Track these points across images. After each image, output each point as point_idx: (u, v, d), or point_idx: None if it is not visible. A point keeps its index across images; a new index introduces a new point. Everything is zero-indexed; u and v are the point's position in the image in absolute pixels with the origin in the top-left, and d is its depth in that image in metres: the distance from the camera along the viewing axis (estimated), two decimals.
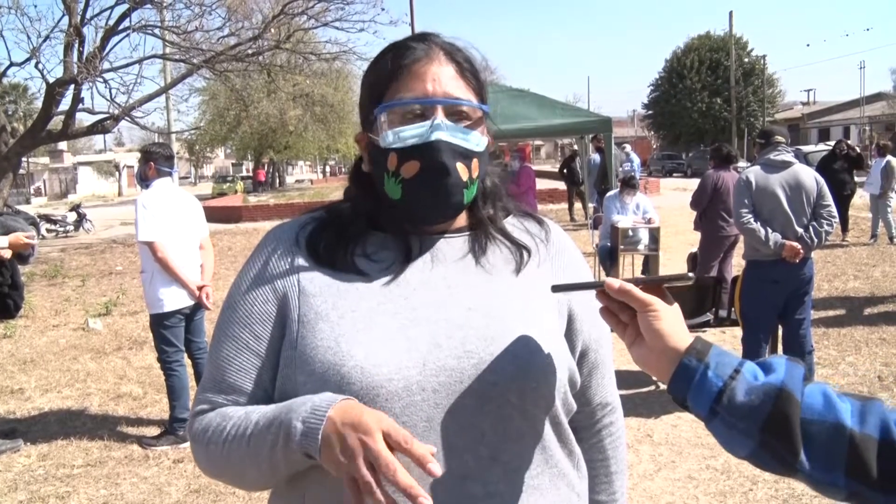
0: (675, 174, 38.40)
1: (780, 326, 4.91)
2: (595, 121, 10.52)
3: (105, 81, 11.08)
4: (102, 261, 13.75)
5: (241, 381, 1.01)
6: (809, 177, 4.53)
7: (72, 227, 20.38)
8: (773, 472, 0.84)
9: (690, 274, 0.91)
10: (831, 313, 6.97)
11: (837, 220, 4.65)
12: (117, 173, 56.70)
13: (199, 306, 4.52)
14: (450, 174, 1.00)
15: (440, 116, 0.99)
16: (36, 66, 10.76)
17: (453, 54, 1.04)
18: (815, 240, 4.44)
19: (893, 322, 6.53)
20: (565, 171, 16.58)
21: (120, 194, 53.07)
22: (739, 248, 5.36)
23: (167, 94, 14.63)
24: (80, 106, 11.01)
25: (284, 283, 1.03)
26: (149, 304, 4.48)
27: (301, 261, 1.04)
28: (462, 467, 0.96)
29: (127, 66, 11.57)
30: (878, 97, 46.91)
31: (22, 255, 4.06)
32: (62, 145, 48.50)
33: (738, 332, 5.19)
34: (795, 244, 4.40)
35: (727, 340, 6.24)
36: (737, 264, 6.42)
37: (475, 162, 1.03)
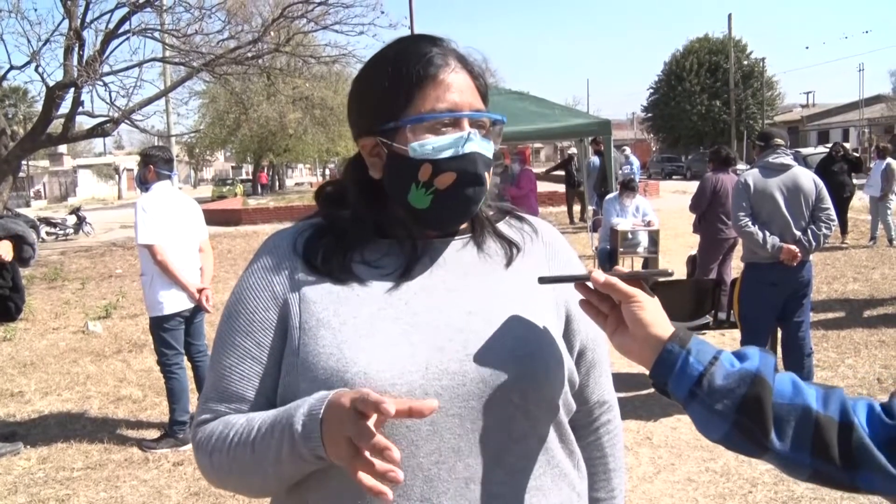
0: (674, 177, 38.41)
1: (779, 329, 4.92)
2: (594, 123, 10.55)
3: (105, 85, 11.08)
4: (102, 264, 13.75)
5: (243, 389, 1.02)
6: (808, 179, 4.54)
7: (71, 231, 20.37)
8: (744, 451, 0.90)
9: (670, 270, 0.98)
10: (830, 315, 6.98)
11: (836, 222, 4.66)
12: (117, 176, 56.71)
13: (198, 309, 4.52)
14: (483, 184, 1.03)
15: (468, 128, 1.01)
16: (36, 70, 10.77)
17: (465, 60, 1.06)
18: (814, 242, 4.44)
19: (893, 324, 6.54)
20: (564, 173, 16.62)
21: (120, 197, 53.06)
22: (738, 251, 5.37)
23: (167, 97, 14.64)
24: (80, 109, 11.02)
25: (285, 290, 1.03)
26: (148, 306, 4.48)
27: (300, 268, 1.04)
28: (466, 470, 0.96)
29: (127, 69, 11.58)
30: (876, 99, 46.92)
31: (23, 257, 4.07)
32: (62, 148, 48.41)
33: (737, 334, 5.20)
34: (793, 247, 4.41)
35: (726, 343, 6.24)
36: (736, 267, 6.43)
37: (491, 168, 1.06)
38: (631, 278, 0.96)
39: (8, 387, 5.88)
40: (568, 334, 1.11)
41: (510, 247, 1.12)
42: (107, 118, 11.36)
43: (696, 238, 7.23)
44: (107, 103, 11.25)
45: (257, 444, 0.94)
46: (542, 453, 1.04)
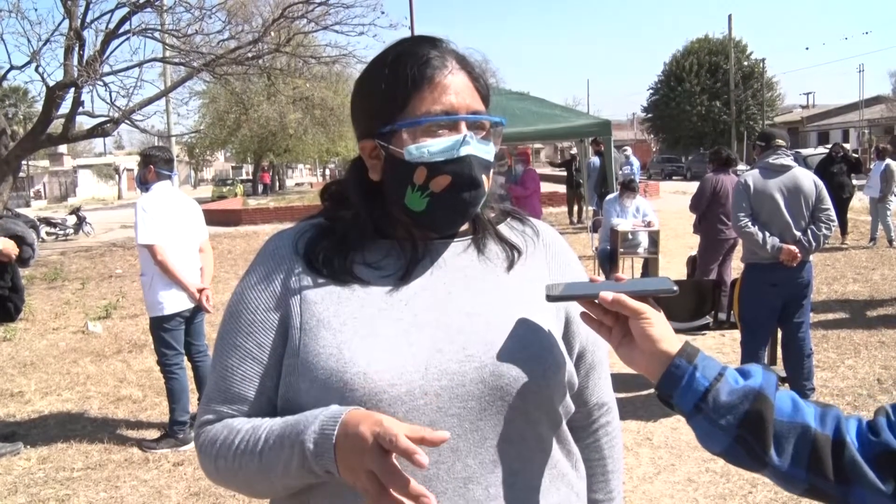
0: (674, 177, 38.43)
1: (779, 329, 4.92)
2: (595, 124, 10.53)
3: (105, 85, 11.08)
4: (102, 264, 13.75)
5: (245, 390, 1.02)
6: (808, 180, 4.54)
7: (71, 231, 20.36)
8: (743, 465, 0.93)
9: (675, 288, 0.97)
10: (830, 316, 6.98)
11: (836, 223, 4.66)
12: (117, 176, 56.70)
13: (198, 309, 4.52)
14: (479, 187, 1.02)
15: (465, 130, 1.00)
16: (36, 70, 10.76)
17: (464, 62, 1.05)
18: (814, 243, 4.45)
19: (893, 325, 6.54)
20: (564, 170, 16.64)
21: (120, 197, 53.04)
22: (738, 252, 5.37)
23: (167, 97, 14.63)
24: (81, 109, 11.01)
25: (286, 291, 1.04)
26: (148, 307, 4.48)
27: (301, 269, 1.05)
28: (465, 470, 0.97)
29: (127, 69, 11.58)
30: (876, 100, 46.90)
31: (22, 257, 4.06)
32: (62, 148, 48.43)
33: (737, 334, 5.20)
34: (793, 248, 4.41)
35: (726, 343, 6.24)
36: (736, 267, 6.43)
37: (491, 172, 1.05)
38: (637, 296, 0.97)
39: (8, 387, 5.88)
40: (567, 336, 1.11)
41: (511, 249, 1.12)
42: (107, 118, 11.36)
43: (697, 239, 7.23)
44: (107, 103, 11.26)
45: (265, 456, 0.95)
46: (541, 454, 1.04)
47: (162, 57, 12.89)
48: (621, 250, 7.67)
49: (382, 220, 1.07)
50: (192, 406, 4.59)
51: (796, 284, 4.54)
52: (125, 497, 3.85)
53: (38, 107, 13.94)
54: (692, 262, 7.49)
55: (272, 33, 12.83)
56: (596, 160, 12.99)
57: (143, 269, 4.47)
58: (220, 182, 45.13)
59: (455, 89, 1.01)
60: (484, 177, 1.02)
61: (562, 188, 18.36)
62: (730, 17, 41.69)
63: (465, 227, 1.11)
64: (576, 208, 16.32)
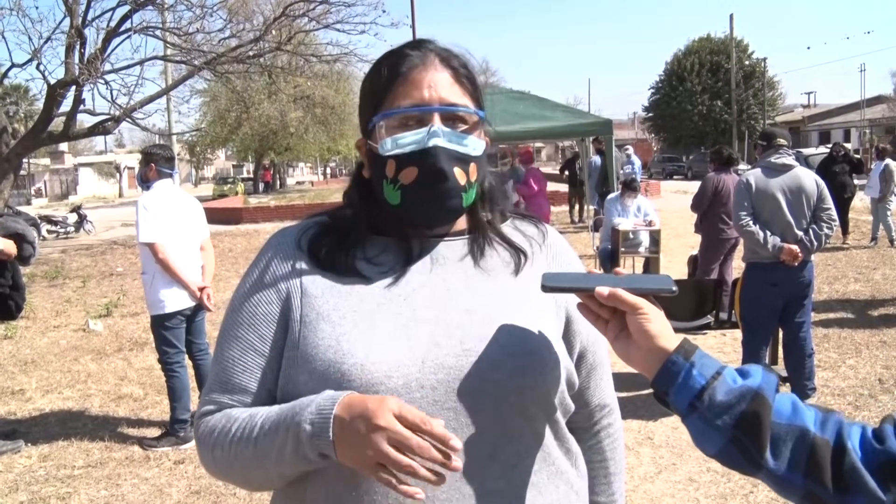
0: (675, 177, 38.41)
1: (780, 329, 4.91)
2: (596, 123, 10.51)
3: (106, 83, 11.09)
4: (103, 262, 13.76)
5: (246, 381, 1.03)
6: (810, 180, 4.53)
7: (72, 229, 20.37)
8: (738, 468, 0.91)
9: (674, 288, 0.96)
10: (832, 316, 6.97)
11: (837, 223, 4.66)
12: (118, 174, 56.73)
13: (200, 307, 4.53)
14: (448, 179, 1.01)
15: (437, 123, 1.01)
16: (37, 68, 10.77)
17: (448, 60, 1.06)
18: (815, 243, 4.44)
19: (894, 325, 6.54)
20: (566, 172, 16.60)
21: (121, 195, 53.07)
22: (740, 251, 5.36)
23: (168, 95, 14.63)
24: (82, 107, 11.02)
25: (287, 284, 1.05)
26: (150, 305, 4.48)
27: (303, 264, 1.06)
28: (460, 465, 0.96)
29: (128, 67, 11.59)
30: (878, 100, 46.87)
31: (23, 255, 4.06)
32: (63, 146, 48.53)
33: (738, 334, 5.20)
34: (794, 247, 4.40)
35: (727, 343, 6.24)
36: (737, 267, 6.42)
37: (473, 166, 1.04)
38: (635, 293, 0.96)
39: (9, 385, 5.88)
40: (568, 336, 1.11)
41: (510, 248, 1.12)
42: (108, 116, 11.36)
43: (698, 238, 7.23)
44: (108, 101, 11.27)
45: (259, 442, 0.95)
46: (538, 450, 1.04)
47: (163, 55, 12.91)
48: (622, 249, 7.67)
49: (378, 216, 1.08)
50: (193, 404, 4.59)
51: (797, 284, 4.54)
52: (126, 495, 3.86)
53: (39, 105, 13.95)
54: (693, 262, 7.49)
55: (273, 32, 12.83)
56: (597, 159, 12.98)
57: (145, 268, 4.47)
58: (221, 180, 45.13)
59: (430, 83, 1.02)
60: (458, 169, 1.01)
61: (563, 187, 18.34)
62: (731, 16, 41.55)
63: (463, 225, 1.11)
64: (577, 207, 16.31)
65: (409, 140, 1.00)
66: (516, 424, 1.01)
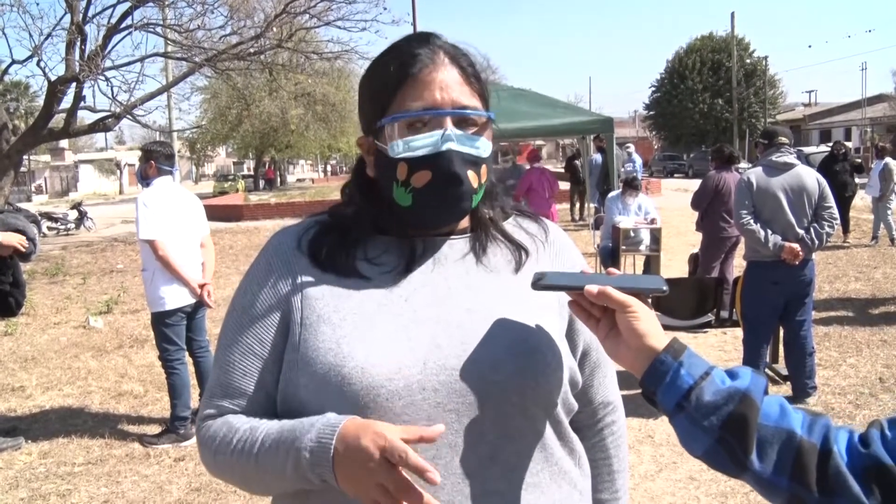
0: (676, 175, 38.39)
1: (781, 327, 4.91)
2: (597, 121, 10.48)
3: (107, 79, 11.10)
4: (103, 259, 13.76)
5: (247, 384, 1.02)
6: (811, 178, 4.53)
7: (73, 225, 20.38)
8: (723, 469, 0.91)
9: (665, 287, 0.96)
10: (832, 314, 6.97)
11: (838, 221, 4.65)
12: (118, 171, 56.73)
13: (200, 304, 4.52)
14: (462, 183, 1.00)
15: (450, 126, 0.99)
16: (38, 64, 10.79)
17: (457, 58, 1.04)
18: (816, 241, 4.44)
19: (894, 324, 6.53)
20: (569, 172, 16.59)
21: (121, 192, 53.09)
22: (741, 249, 5.36)
23: (169, 92, 14.64)
24: (82, 104, 11.03)
25: (287, 287, 1.04)
26: (150, 302, 4.48)
27: (303, 265, 1.05)
28: (462, 466, 0.96)
29: (129, 64, 11.59)
30: (879, 98, 46.79)
31: (23, 252, 4.06)
32: (63, 143, 48.50)
33: (739, 332, 5.19)
34: (795, 246, 4.40)
35: (728, 341, 6.24)
36: (738, 265, 6.42)
37: (484, 168, 1.04)
38: (626, 291, 0.95)
39: (9, 381, 5.88)
40: (571, 334, 1.10)
41: (512, 246, 1.11)
42: (108, 113, 11.36)
43: (698, 236, 7.22)
44: (108, 98, 11.27)
45: (261, 459, 0.95)
46: (540, 450, 1.03)
47: (164, 52, 12.89)
48: (623, 248, 7.66)
49: (381, 215, 1.07)
50: (194, 401, 4.59)
51: (798, 282, 4.54)
52: (126, 492, 3.86)
53: (40, 101, 13.94)
54: (694, 260, 7.49)
55: (274, 29, 12.83)
56: (598, 157, 12.96)
57: (145, 265, 4.47)
58: (222, 178, 45.15)
59: (441, 85, 1.00)
60: (471, 172, 1.01)
61: (564, 185, 18.30)
62: (732, 14, 41.45)
63: (465, 223, 1.10)
64: (578, 205, 16.28)
65: (421, 143, 0.99)
66: (517, 424, 1.00)
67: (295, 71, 18.98)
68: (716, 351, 6.00)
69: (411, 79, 1.00)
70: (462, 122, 1.01)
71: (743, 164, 17.65)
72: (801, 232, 4.45)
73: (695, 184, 8.39)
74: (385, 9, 12.88)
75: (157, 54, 12.52)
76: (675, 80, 48.24)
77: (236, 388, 1.02)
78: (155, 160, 4.47)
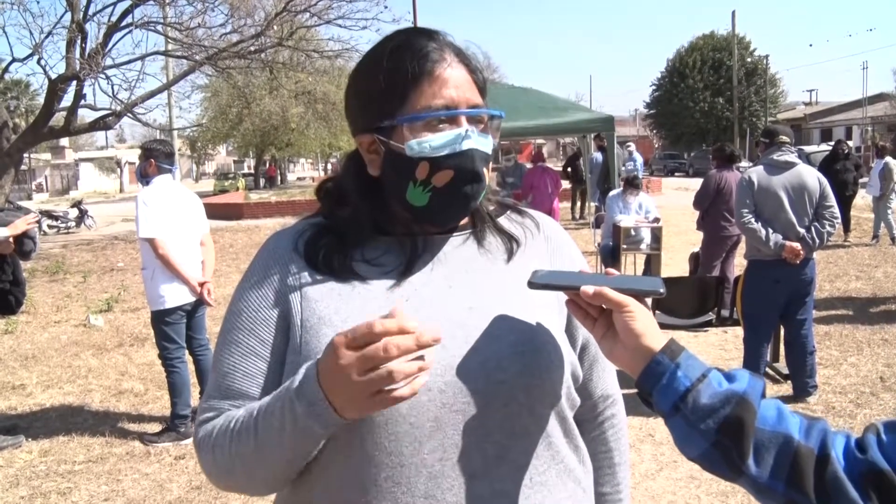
0: (676, 174, 38.39)
1: (781, 326, 4.91)
2: (597, 119, 10.47)
3: (107, 78, 11.07)
4: (104, 257, 13.76)
5: (246, 386, 1.01)
6: (812, 177, 4.52)
7: (73, 224, 20.39)
8: (718, 473, 0.89)
9: (662, 290, 0.95)
10: (833, 313, 6.97)
11: (839, 220, 4.65)
12: (119, 170, 56.72)
13: (200, 303, 4.52)
14: (482, 180, 1.01)
15: (466, 124, 0.99)
16: (38, 62, 10.75)
17: (463, 55, 1.04)
18: (817, 240, 4.43)
19: (895, 322, 6.53)
20: (569, 169, 16.57)
21: (121, 191, 53.09)
22: (742, 248, 5.35)
23: (169, 90, 14.64)
24: (83, 102, 11.01)
25: (287, 288, 1.03)
26: (150, 300, 4.48)
27: (301, 267, 1.04)
28: (469, 466, 0.96)
29: (129, 62, 11.57)
30: (880, 97, 46.76)
31: (24, 250, 4.06)
32: (64, 141, 48.51)
33: (739, 331, 5.19)
34: (795, 245, 4.40)
35: (729, 340, 6.24)
36: (739, 264, 6.41)
37: (489, 164, 1.05)
38: (623, 292, 0.95)
39: (9, 380, 5.88)
40: (570, 329, 1.10)
41: (511, 241, 1.11)
42: (109, 111, 11.35)
43: (699, 235, 7.22)
44: (109, 96, 11.26)
45: (260, 427, 0.92)
46: (547, 449, 1.03)
47: (164, 50, 12.88)
48: (624, 246, 7.66)
49: (381, 215, 1.06)
50: (194, 400, 4.59)
51: (799, 281, 4.53)
52: (126, 490, 3.86)
53: (40, 100, 13.92)
54: (695, 259, 7.48)
55: (275, 27, 12.82)
56: (598, 156, 12.95)
57: (145, 263, 4.46)
58: (222, 176, 45.14)
59: (455, 83, 1.00)
60: (485, 170, 1.02)
61: (565, 183, 18.30)
62: (733, 13, 41.37)
63: (464, 220, 1.10)
64: (578, 204, 16.28)
65: (442, 142, 0.98)
66: (524, 423, 1.00)
67: (295, 69, 18.98)
68: (716, 350, 6.00)
69: (427, 76, 0.99)
70: (471, 119, 1.01)
71: (744, 163, 17.62)
72: (802, 231, 4.45)
73: (695, 183, 8.39)
74: (386, 7, 12.88)
75: (157, 53, 12.50)
76: (675, 78, 48.21)
77: (236, 391, 1.01)
78: (155, 158, 4.47)
